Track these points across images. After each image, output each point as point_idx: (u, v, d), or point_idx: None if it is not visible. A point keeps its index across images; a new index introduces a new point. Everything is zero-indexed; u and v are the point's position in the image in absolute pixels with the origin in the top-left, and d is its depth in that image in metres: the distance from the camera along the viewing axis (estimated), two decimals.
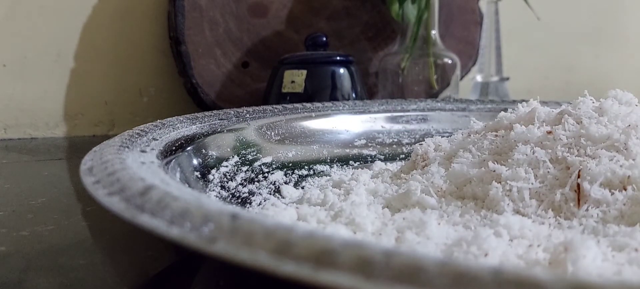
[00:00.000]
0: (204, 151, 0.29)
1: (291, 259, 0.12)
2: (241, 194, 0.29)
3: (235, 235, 0.13)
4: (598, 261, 0.18)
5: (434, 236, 0.21)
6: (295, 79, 0.56)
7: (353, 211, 0.24)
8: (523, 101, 0.47)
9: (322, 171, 0.35)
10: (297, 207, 0.26)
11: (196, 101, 0.64)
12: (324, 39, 0.59)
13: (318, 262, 0.12)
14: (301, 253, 0.12)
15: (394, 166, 0.36)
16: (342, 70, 0.57)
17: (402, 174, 0.30)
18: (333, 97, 0.56)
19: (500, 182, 0.24)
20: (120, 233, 0.27)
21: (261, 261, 0.12)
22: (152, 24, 0.65)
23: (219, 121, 0.33)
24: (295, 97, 0.55)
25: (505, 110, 0.44)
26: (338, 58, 0.58)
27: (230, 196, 0.28)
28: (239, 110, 0.37)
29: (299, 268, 0.12)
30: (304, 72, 0.56)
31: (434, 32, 0.63)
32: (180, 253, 0.24)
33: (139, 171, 0.18)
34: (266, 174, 0.32)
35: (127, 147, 0.23)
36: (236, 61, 0.64)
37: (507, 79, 0.70)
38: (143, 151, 0.23)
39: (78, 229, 0.29)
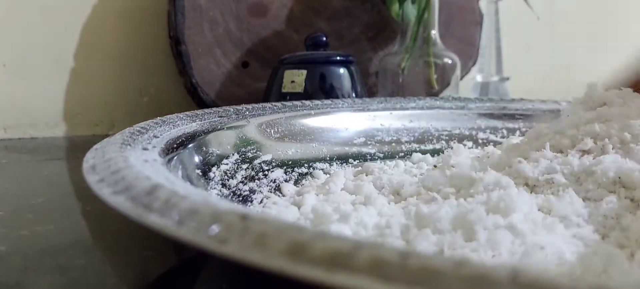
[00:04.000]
0: (205, 148, 0.29)
1: (305, 261, 0.12)
2: (242, 192, 0.29)
3: (246, 236, 0.13)
4: None
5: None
6: (295, 79, 0.56)
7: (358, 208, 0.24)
8: (522, 99, 0.47)
9: (322, 169, 0.35)
10: (298, 207, 0.26)
11: (196, 100, 0.63)
12: (324, 39, 0.59)
13: (332, 263, 0.11)
14: (315, 254, 0.12)
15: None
16: (342, 70, 0.57)
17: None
18: (333, 97, 0.56)
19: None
20: (120, 233, 0.27)
21: (274, 262, 0.12)
22: (152, 23, 0.65)
23: (218, 118, 0.33)
24: (295, 97, 0.55)
25: (504, 108, 0.44)
26: (338, 58, 0.58)
27: (232, 194, 0.28)
28: (238, 107, 0.37)
29: (313, 269, 0.11)
30: (304, 72, 0.56)
31: (434, 32, 0.63)
32: (180, 254, 0.24)
33: (143, 169, 0.18)
34: (266, 172, 0.32)
35: (129, 144, 0.22)
36: (236, 61, 0.64)
37: (507, 79, 0.70)
38: (145, 149, 0.22)
39: (78, 229, 0.29)
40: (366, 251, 0.11)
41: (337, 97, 0.56)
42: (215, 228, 0.13)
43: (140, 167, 0.18)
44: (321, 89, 0.56)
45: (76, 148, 0.56)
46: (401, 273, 0.11)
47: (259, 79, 0.64)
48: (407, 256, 0.11)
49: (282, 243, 0.12)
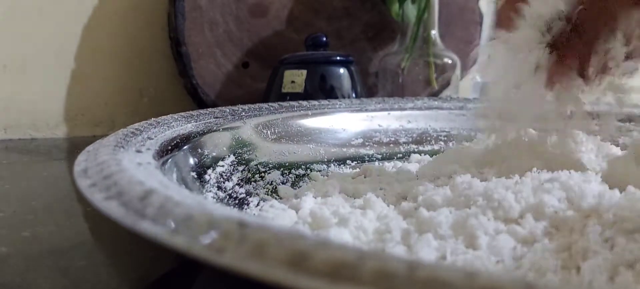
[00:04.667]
0: (200, 150, 0.28)
1: (307, 272, 0.11)
2: (238, 194, 0.29)
3: (243, 245, 0.12)
4: None
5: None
6: (295, 79, 0.56)
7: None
8: None
9: (320, 171, 0.35)
10: (296, 210, 0.26)
11: (196, 101, 0.64)
12: (324, 39, 0.59)
13: (336, 275, 0.11)
14: (318, 265, 0.11)
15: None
16: (342, 70, 0.57)
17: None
18: (333, 98, 0.56)
19: None
20: (121, 235, 0.27)
21: (273, 273, 0.11)
22: (152, 24, 0.65)
23: (214, 119, 0.33)
24: (295, 98, 0.55)
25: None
26: (338, 58, 0.58)
27: (227, 196, 0.28)
28: (234, 108, 0.36)
29: (315, 281, 0.11)
30: (304, 72, 0.56)
31: (434, 32, 0.63)
32: (181, 256, 0.24)
33: (137, 173, 0.17)
34: (263, 174, 0.32)
35: (122, 147, 0.22)
36: (236, 61, 0.64)
37: None
38: (139, 151, 0.22)
39: (79, 230, 0.29)
40: (372, 262, 0.11)
41: (337, 98, 0.56)
42: (211, 236, 0.13)
43: (133, 171, 0.18)
44: (321, 89, 0.56)
45: (77, 149, 0.56)
46: (408, 285, 0.10)
47: (259, 79, 0.64)
48: (414, 267, 0.11)
49: (282, 253, 0.11)
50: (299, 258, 0.11)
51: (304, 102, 0.41)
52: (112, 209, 0.15)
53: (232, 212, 0.15)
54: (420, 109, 0.43)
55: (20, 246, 0.25)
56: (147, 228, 0.14)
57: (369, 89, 0.68)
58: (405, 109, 0.42)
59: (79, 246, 0.26)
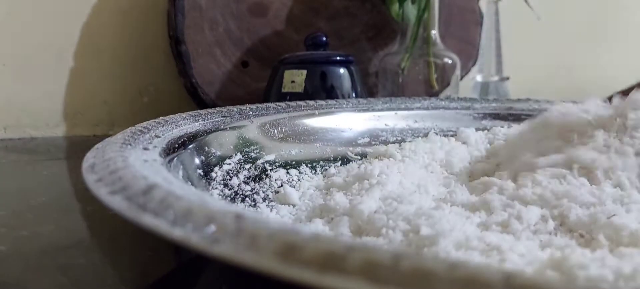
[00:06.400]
0: (206, 148, 0.29)
1: (296, 263, 0.12)
2: (244, 192, 0.29)
3: (239, 236, 0.13)
4: None
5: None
6: (295, 79, 0.56)
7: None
8: (528, 99, 0.47)
9: (326, 169, 0.35)
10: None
11: (196, 100, 0.63)
12: (324, 39, 0.59)
13: (324, 265, 0.11)
14: (307, 256, 0.12)
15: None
16: (342, 70, 0.57)
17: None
18: (333, 97, 0.56)
19: None
20: (121, 233, 0.27)
21: (265, 263, 0.12)
22: (152, 23, 0.65)
23: (221, 118, 0.33)
24: (296, 97, 0.54)
25: (510, 108, 0.44)
26: (338, 58, 0.58)
27: (234, 194, 0.28)
28: (242, 107, 0.37)
29: (304, 271, 0.11)
30: (304, 72, 0.56)
31: (434, 32, 0.63)
32: (181, 255, 0.24)
33: (142, 169, 0.18)
34: (269, 172, 0.32)
35: (130, 144, 0.22)
36: (236, 61, 0.64)
37: (507, 78, 0.70)
38: (146, 149, 0.22)
39: (78, 228, 0.29)
40: (358, 253, 0.11)
41: (337, 97, 0.56)
42: (209, 229, 0.13)
43: (138, 167, 0.18)
44: (321, 89, 0.56)
45: (76, 148, 0.56)
46: (393, 275, 0.11)
47: (259, 79, 0.64)
48: (399, 257, 0.11)
49: (274, 244, 0.12)
50: (290, 249, 0.12)
51: (311, 102, 0.41)
52: (116, 202, 0.15)
53: (230, 206, 0.15)
54: (427, 108, 0.43)
55: (19, 245, 0.25)
56: (149, 220, 0.14)
57: (369, 89, 0.68)
58: (412, 109, 0.42)
59: (78, 244, 0.26)
